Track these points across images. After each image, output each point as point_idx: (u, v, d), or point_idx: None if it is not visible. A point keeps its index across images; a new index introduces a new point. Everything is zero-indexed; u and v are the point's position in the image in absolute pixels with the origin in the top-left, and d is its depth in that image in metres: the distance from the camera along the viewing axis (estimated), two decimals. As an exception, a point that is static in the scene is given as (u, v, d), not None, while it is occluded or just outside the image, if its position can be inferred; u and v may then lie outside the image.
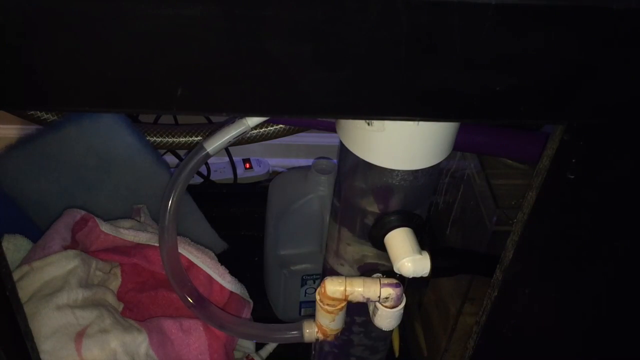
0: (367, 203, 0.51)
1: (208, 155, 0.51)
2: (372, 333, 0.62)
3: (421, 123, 0.44)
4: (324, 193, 0.78)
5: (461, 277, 0.66)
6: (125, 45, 0.30)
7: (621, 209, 0.40)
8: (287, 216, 0.80)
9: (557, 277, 0.44)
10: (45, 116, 0.82)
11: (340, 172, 0.53)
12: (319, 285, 0.51)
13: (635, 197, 0.39)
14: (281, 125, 0.85)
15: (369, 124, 0.45)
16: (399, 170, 0.47)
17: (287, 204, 0.80)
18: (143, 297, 0.66)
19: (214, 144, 0.50)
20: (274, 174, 1.06)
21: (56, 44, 0.30)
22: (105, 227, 0.68)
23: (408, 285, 0.52)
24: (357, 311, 0.58)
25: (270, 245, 0.82)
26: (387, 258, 0.50)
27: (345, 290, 0.49)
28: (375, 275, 0.51)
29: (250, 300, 0.71)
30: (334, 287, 0.49)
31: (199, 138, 0.87)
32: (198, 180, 1.02)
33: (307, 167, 0.80)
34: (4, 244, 0.65)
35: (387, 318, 0.50)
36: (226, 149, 0.99)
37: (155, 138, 0.87)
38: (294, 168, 1.03)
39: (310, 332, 0.56)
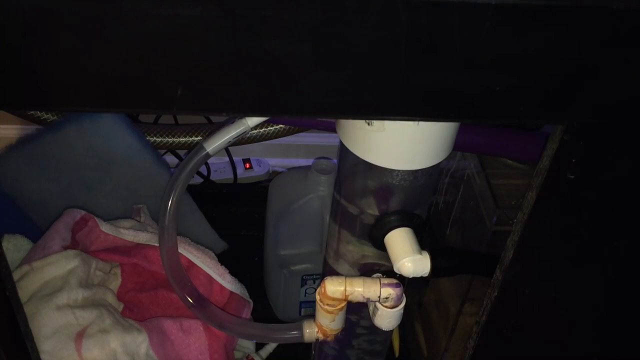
0: (367, 203, 0.51)
1: (208, 155, 0.51)
2: (372, 334, 0.62)
3: (421, 123, 0.44)
4: (324, 193, 0.78)
5: (461, 277, 0.66)
6: (125, 45, 0.30)
7: (621, 209, 0.40)
8: (287, 216, 0.80)
9: (557, 277, 0.44)
10: (45, 116, 0.82)
11: (340, 172, 0.53)
12: (319, 285, 0.51)
13: (635, 197, 0.39)
14: (281, 125, 0.85)
15: (369, 124, 0.45)
16: (399, 170, 0.47)
17: (287, 204, 0.80)
18: (143, 297, 0.66)
19: (214, 144, 0.50)
20: (274, 174, 1.06)
21: (56, 44, 0.30)
22: (105, 227, 0.68)
23: (408, 285, 0.52)
24: (357, 312, 0.58)
25: (270, 245, 0.82)
26: (387, 258, 0.50)
27: (345, 290, 0.49)
28: (375, 275, 0.51)
29: (250, 300, 0.71)
30: (334, 287, 0.49)
31: (199, 138, 0.87)
32: (198, 180, 1.02)
33: (307, 167, 0.80)
34: (4, 244, 0.65)
35: (387, 318, 0.50)
36: (226, 149, 0.99)
37: (155, 138, 0.87)
38: (294, 168, 1.03)
39: (310, 332, 0.56)
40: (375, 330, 0.55)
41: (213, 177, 1.03)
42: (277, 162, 1.10)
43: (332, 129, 0.52)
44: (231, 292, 0.69)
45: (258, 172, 1.08)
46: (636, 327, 0.49)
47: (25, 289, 0.60)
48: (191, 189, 0.85)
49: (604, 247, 0.42)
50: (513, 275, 0.43)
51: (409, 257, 0.48)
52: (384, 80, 0.32)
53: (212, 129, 0.88)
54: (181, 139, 0.87)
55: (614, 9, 0.30)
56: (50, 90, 0.33)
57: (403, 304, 0.50)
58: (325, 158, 0.82)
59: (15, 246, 0.66)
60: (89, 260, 0.64)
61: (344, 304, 0.51)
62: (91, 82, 0.32)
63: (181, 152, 0.96)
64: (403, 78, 0.32)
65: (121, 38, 0.30)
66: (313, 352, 0.69)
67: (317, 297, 0.51)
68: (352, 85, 0.33)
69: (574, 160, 0.37)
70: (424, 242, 0.50)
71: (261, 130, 0.86)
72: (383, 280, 0.49)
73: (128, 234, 0.69)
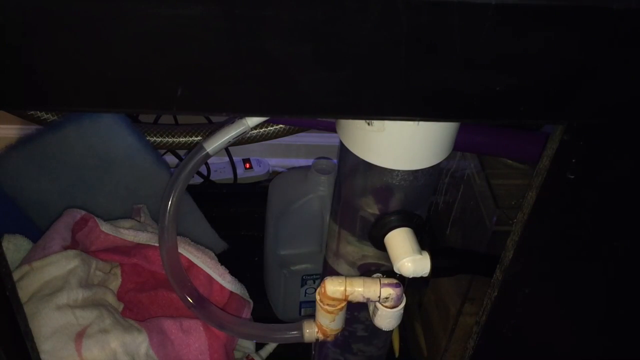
0: (367, 203, 0.51)
1: (208, 155, 0.51)
2: (372, 335, 0.62)
3: (421, 123, 0.44)
4: (324, 193, 0.78)
5: (461, 277, 0.66)
6: (125, 45, 0.30)
7: (621, 209, 0.40)
8: (287, 216, 0.80)
9: (557, 277, 0.44)
10: (45, 116, 0.82)
11: (340, 172, 0.53)
12: (319, 285, 0.51)
13: (635, 197, 0.39)
14: (281, 125, 0.85)
15: (369, 124, 0.45)
16: (399, 170, 0.47)
17: (287, 204, 0.80)
18: (143, 297, 0.66)
19: (214, 144, 0.50)
20: (274, 174, 1.06)
21: (56, 44, 0.30)
22: (105, 227, 0.68)
23: (408, 285, 0.52)
24: (357, 312, 0.58)
25: (270, 245, 0.82)
26: (387, 258, 0.50)
27: (345, 290, 0.49)
28: (375, 275, 0.51)
29: (250, 300, 0.71)
30: (334, 287, 0.49)
31: (199, 138, 0.87)
32: (198, 180, 1.02)
33: (307, 167, 0.80)
34: (4, 244, 0.65)
35: (387, 318, 0.50)
36: (226, 149, 0.99)
37: (155, 138, 0.87)
38: (294, 168, 1.03)
39: (310, 332, 0.56)
40: (375, 330, 0.55)
41: (213, 177, 1.03)
42: (277, 162, 1.10)
43: (332, 129, 0.52)
44: (231, 292, 0.69)
45: (258, 172, 1.08)
46: (636, 327, 0.49)
47: (25, 289, 0.60)
48: (191, 189, 0.85)
49: (604, 247, 0.42)
50: (513, 275, 0.43)
51: (409, 257, 0.48)
52: (384, 80, 0.32)
53: (212, 129, 0.88)
54: (181, 139, 0.87)
55: (614, 9, 0.30)
56: (50, 90, 0.33)
57: (403, 304, 0.50)
58: (325, 158, 0.82)
59: (15, 246, 0.66)
60: (89, 260, 0.64)
61: (344, 304, 0.51)
62: (91, 82, 0.32)
63: (181, 152, 0.96)
64: (403, 78, 0.32)
65: (121, 38, 0.30)
66: (313, 352, 0.69)
67: (317, 297, 0.51)
68: (352, 85, 0.33)
69: (574, 160, 0.37)
70: (424, 242, 0.50)
71: (261, 130, 0.86)
72: (383, 280, 0.49)
73: (128, 234, 0.69)
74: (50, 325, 0.58)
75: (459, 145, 0.50)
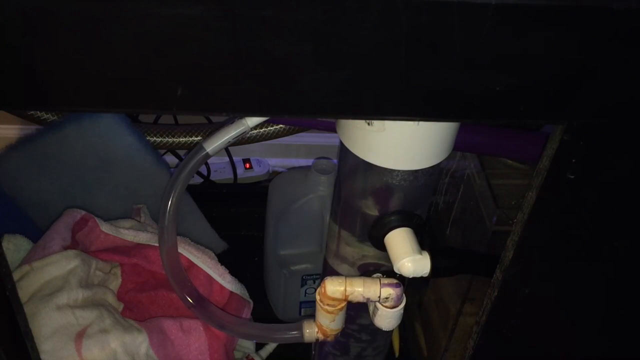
0: (367, 203, 0.51)
1: (208, 156, 0.51)
2: (372, 335, 0.62)
3: (421, 123, 0.44)
4: (324, 193, 0.78)
5: (461, 277, 0.66)
6: (125, 45, 0.30)
7: (621, 209, 0.40)
8: (287, 216, 0.80)
9: (557, 277, 0.44)
10: (45, 116, 0.82)
11: (340, 172, 0.53)
12: (319, 285, 0.51)
13: (635, 197, 0.39)
14: (281, 125, 0.85)
15: (369, 124, 0.45)
16: (399, 170, 0.47)
17: (287, 204, 0.80)
18: (143, 297, 0.66)
19: (214, 144, 0.50)
20: (274, 174, 1.06)
21: (56, 44, 0.30)
22: (105, 227, 0.69)
23: (408, 285, 0.52)
24: (358, 313, 0.58)
25: (270, 245, 0.82)
26: (387, 258, 0.50)
27: (345, 290, 0.49)
28: (375, 275, 0.51)
29: (250, 300, 0.71)
30: (334, 287, 0.49)
31: (199, 138, 0.87)
32: (198, 180, 1.02)
33: (307, 167, 0.80)
34: (4, 244, 0.65)
35: (387, 318, 0.50)
36: (226, 149, 0.99)
37: (155, 138, 0.87)
38: (294, 168, 1.03)
39: (310, 332, 0.56)
40: (375, 331, 0.55)
41: (213, 177, 1.03)
42: (277, 162, 1.10)
43: (332, 129, 0.52)
44: (231, 292, 0.69)
45: (258, 172, 1.08)
46: (636, 327, 0.49)
47: (25, 289, 0.60)
48: (191, 189, 0.85)
49: (604, 247, 0.42)
50: (513, 275, 0.43)
51: (409, 257, 0.48)
52: (384, 80, 0.32)
53: (212, 129, 0.88)
54: (181, 139, 0.87)
55: (614, 9, 0.30)
56: (50, 90, 0.33)
57: (403, 304, 0.50)
58: (325, 158, 0.82)
59: (15, 246, 0.66)
60: (89, 260, 0.64)
61: (344, 304, 0.51)
62: (91, 82, 0.32)
63: (181, 152, 0.96)
64: (403, 78, 0.32)
65: (121, 38, 0.30)
66: (313, 352, 0.69)
67: (317, 297, 0.51)
68: (352, 85, 0.33)
69: (574, 160, 0.37)
70: (424, 242, 0.50)
71: (261, 130, 0.86)
72: (383, 280, 0.49)
73: (128, 234, 0.69)
74: (50, 325, 0.58)
75: (459, 145, 0.50)
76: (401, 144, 0.45)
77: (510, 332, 0.48)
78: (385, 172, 0.47)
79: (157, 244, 0.67)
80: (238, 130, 0.50)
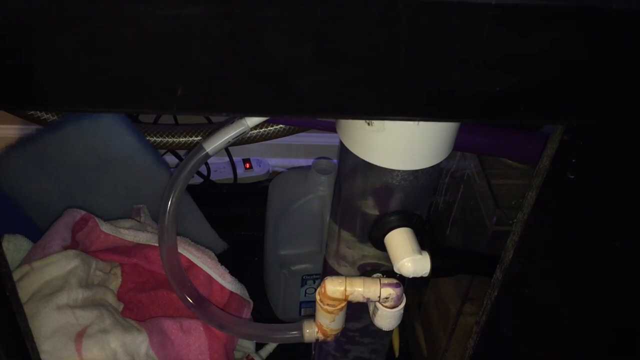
0: (367, 203, 0.51)
1: (208, 156, 0.51)
2: (371, 335, 0.62)
3: (421, 123, 0.44)
4: (324, 193, 0.78)
5: (461, 277, 0.66)
6: (125, 45, 0.30)
7: (621, 209, 0.40)
8: (287, 216, 0.80)
9: (557, 277, 0.44)
10: (45, 116, 0.82)
11: (340, 172, 0.53)
12: (319, 285, 0.51)
13: (635, 197, 0.39)
14: (281, 125, 0.85)
15: (369, 124, 0.45)
16: (399, 170, 0.47)
17: (287, 204, 0.80)
18: (143, 297, 0.66)
19: (214, 144, 0.50)
20: (274, 174, 1.06)
21: (56, 44, 0.30)
22: (105, 227, 0.69)
23: (408, 285, 0.52)
24: (358, 314, 0.58)
25: (270, 245, 0.82)
26: (387, 258, 0.50)
27: (345, 290, 0.49)
28: (375, 275, 0.51)
29: (250, 300, 0.71)
30: (334, 287, 0.49)
31: (199, 138, 0.87)
32: (198, 180, 1.02)
33: (307, 167, 0.80)
34: (4, 244, 0.65)
35: (387, 318, 0.50)
36: (226, 149, 0.99)
37: (155, 138, 0.87)
38: (294, 168, 1.03)
39: (310, 332, 0.56)
40: (374, 331, 0.55)
41: (213, 177, 1.03)
42: (277, 162, 1.10)
43: (332, 129, 0.52)
44: (231, 292, 0.69)
45: (258, 172, 1.08)
46: (636, 327, 0.49)
47: (25, 289, 0.60)
48: (191, 189, 0.85)
49: (604, 247, 0.42)
50: (513, 275, 0.43)
51: (409, 257, 0.48)
52: (383, 80, 0.32)
53: (212, 129, 0.88)
54: (181, 139, 0.87)
55: (614, 9, 0.30)
56: (50, 90, 0.33)
57: (403, 304, 0.50)
58: (325, 158, 0.82)
59: (15, 246, 0.66)
60: (89, 260, 0.64)
61: (344, 304, 0.51)
62: (91, 82, 0.32)
63: (181, 152, 0.96)
64: (403, 78, 0.32)
65: (121, 38, 0.30)
66: (313, 352, 0.69)
67: (317, 297, 0.51)
68: (352, 85, 0.33)
69: (574, 160, 0.37)
70: (424, 242, 0.50)
71: (261, 130, 0.86)
72: (383, 280, 0.49)
73: (128, 234, 0.69)
74: (50, 325, 0.58)
75: (459, 145, 0.50)
76: (401, 144, 0.45)
77: (510, 332, 0.48)
78: (385, 172, 0.47)
79: (157, 244, 0.67)
80: (238, 130, 0.50)
